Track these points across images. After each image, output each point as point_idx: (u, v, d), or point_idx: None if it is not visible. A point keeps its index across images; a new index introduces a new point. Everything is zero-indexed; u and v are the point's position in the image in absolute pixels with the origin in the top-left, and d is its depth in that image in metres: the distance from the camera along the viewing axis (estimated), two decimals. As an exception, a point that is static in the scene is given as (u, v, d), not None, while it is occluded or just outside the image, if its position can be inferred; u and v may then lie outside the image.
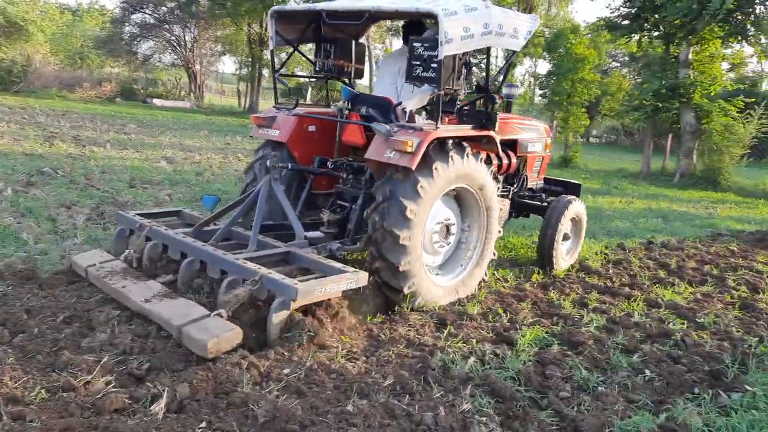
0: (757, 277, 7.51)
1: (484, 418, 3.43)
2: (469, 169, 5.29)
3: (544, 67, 30.46)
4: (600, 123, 42.74)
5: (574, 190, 7.67)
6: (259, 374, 3.68)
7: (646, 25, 21.19)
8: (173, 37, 39.05)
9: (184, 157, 13.27)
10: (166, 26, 38.46)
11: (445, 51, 4.77)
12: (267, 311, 4.12)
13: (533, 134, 7.18)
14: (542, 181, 7.68)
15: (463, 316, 5.16)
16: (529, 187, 7.31)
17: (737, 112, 19.69)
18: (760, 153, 23.71)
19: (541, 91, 29.44)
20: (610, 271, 7.20)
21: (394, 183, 4.91)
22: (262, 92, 36.16)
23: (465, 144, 5.30)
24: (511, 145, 6.70)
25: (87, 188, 8.78)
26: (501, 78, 6.26)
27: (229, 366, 3.65)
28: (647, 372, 4.35)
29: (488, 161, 5.91)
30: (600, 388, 4.03)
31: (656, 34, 21.37)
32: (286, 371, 3.74)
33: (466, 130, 5.45)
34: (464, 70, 5.35)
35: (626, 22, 21.64)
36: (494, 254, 5.96)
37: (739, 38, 20.28)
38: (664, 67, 21.26)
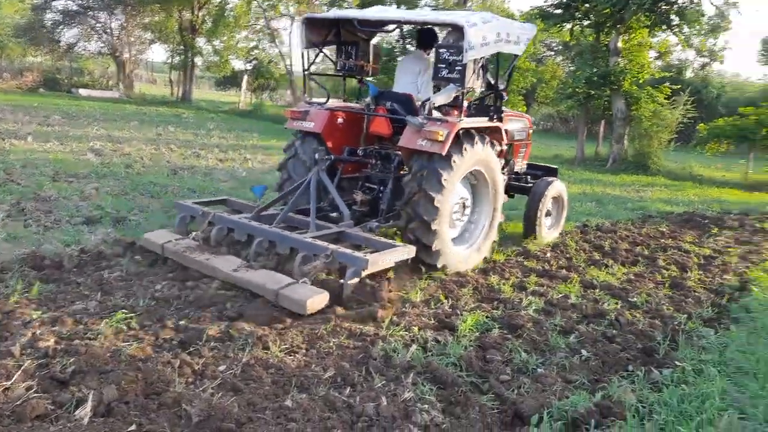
0: (686, 256, 7.82)
1: (426, 406, 3.41)
2: (483, 154, 6.17)
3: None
4: (536, 111, 43.63)
5: (552, 172, 8.64)
6: (193, 372, 3.55)
7: (577, 14, 21.68)
8: (99, 24, 37.31)
9: (112, 149, 12.70)
10: (91, 13, 36.68)
11: (468, 56, 5.55)
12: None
13: (519, 124, 8.06)
14: (526, 166, 8.48)
15: (405, 303, 5.14)
16: (515, 171, 8.12)
17: (664, 98, 20.46)
18: (686, 138, 24.69)
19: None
20: (548, 254, 7.34)
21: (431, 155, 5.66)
22: (196, 81, 35.13)
23: (473, 132, 6.03)
24: None
25: (6, 183, 8.29)
26: (507, 77, 7.06)
27: (160, 365, 3.50)
28: (584, 352, 4.44)
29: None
30: (539, 370, 4.09)
31: (587, 23, 21.88)
32: (221, 368, 3.62)
33: (482, 121, 6.32)
34: (481, 72, 6.11)
35: (558, 11, 22.04)
36: (502, 217, 6.89)
37: (664, 28, 21.02)
38: (596, 56, 21.80)
